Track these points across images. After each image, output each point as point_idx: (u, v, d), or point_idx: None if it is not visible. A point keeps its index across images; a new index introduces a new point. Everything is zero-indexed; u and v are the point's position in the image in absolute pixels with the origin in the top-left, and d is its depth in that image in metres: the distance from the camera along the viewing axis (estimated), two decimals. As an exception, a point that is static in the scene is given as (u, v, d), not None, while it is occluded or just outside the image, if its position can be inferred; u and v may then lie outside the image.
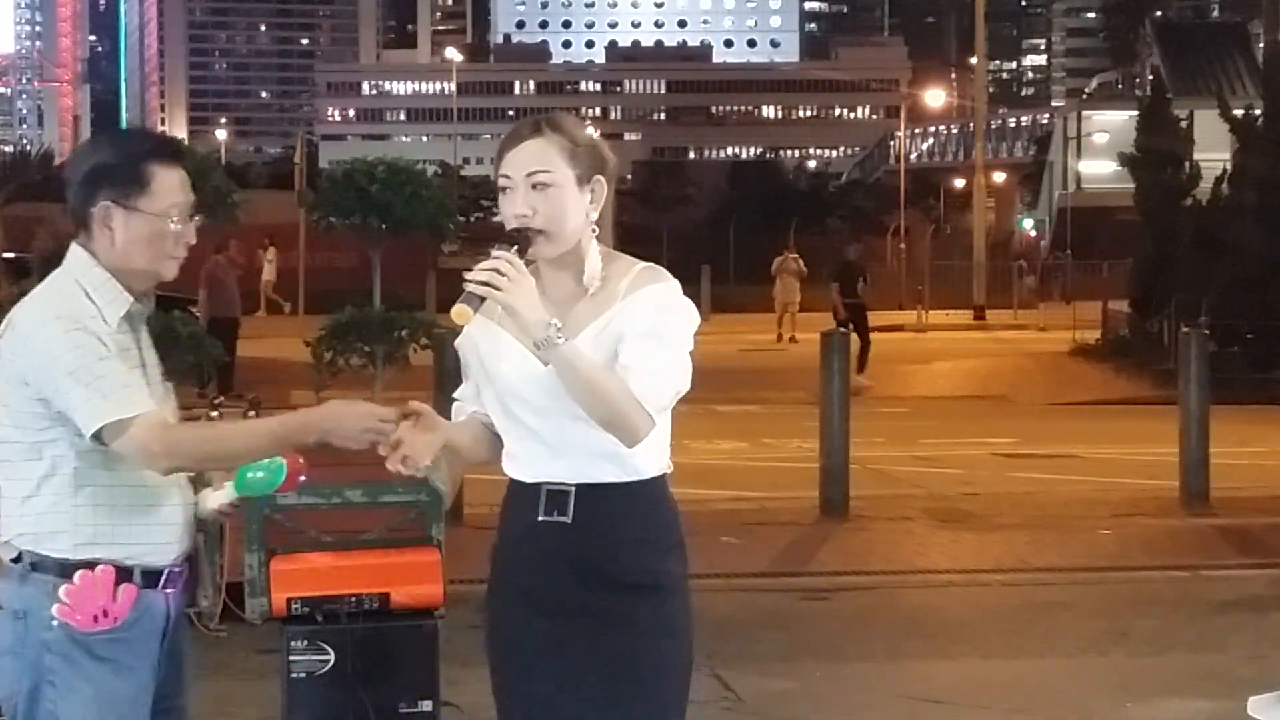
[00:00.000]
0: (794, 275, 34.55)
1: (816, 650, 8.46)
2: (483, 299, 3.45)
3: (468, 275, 3.46)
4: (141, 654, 3.72)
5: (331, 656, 6.21)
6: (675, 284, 3.63)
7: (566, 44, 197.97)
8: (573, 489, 3.61)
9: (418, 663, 6.30)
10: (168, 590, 3.77)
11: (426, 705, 6.32)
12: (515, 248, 3.51)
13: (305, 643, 6.22)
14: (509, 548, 3.72)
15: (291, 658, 6.23)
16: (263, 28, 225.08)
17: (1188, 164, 28.41)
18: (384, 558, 6.61)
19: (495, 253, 3.48)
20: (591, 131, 3.76)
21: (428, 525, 8.78)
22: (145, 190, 3.68)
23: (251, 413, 8.83)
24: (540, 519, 3.63)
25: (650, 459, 3.65)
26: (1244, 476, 14.12)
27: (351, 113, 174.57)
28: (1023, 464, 15.71)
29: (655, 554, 3.66)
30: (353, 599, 6.26)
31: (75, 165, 3.79)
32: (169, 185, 3.71)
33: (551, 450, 3.61)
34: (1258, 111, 27.27)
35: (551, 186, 3.59)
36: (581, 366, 3.48)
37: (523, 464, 3.67)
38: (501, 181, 3.62)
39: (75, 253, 3.74)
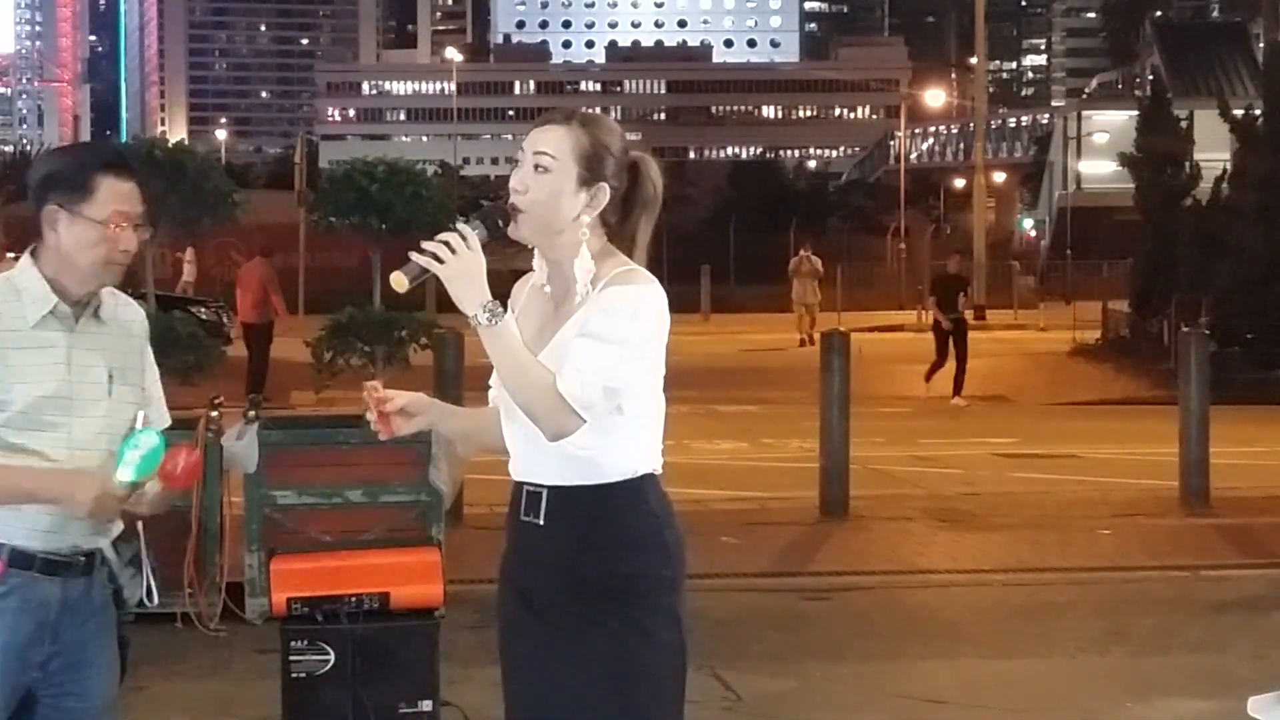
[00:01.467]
0: (811, 275, 33.52)
1: (816, 650, 8.46)
2: (423, 270, 3.47)
3: (424, 244, 3.47)
4: (9, 628, 3.90)
5: (331, 656, 6.22)
6: (639, 287, 3.58)
7: (566, 44, 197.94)
8: (545, 490, 3.62)
9: (418, 663, 6.31)
10: (55, 577, 3.94)
11: (426, 705, 6.33)
12: (479, 224, 3.53)
13: (305, 643, 6.23)
14: (507, 545, 3.75)
15: (291, 658, 6.24)
16: (263, 28, 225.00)
17: (1188, 164, 28.43)
18: (384, 558, 6.61)
19: (459, 225, 3.50)
20: (635, 150, 3.72)
21: (428, 525, 8.79)
22: (89, 197, 3.92)
23: (252, 413, 8.82)
24: (521, 519, 3.67)
25: (623, 462, 3.63)
26: (1244, 476, 14.11)
27: (351, 113, 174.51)
28: (1023, 464, 15.71)
29: (628, 557, 3.63)
30: (353, 599, 6.27)
31: (32, 173, 4.05)
32: (115, 195, 3.93)
33: (529, 450, 3.63)
34: (1258, 111, 27.27)
35: (549, 173, 3.59)
36: (512, 351, 3.50)
37: (512, 462, 3.71)
38: (518, 154, 3.65)
39: (25, 255, 4.02)
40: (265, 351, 21.52)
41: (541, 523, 3.62)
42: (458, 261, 3.46)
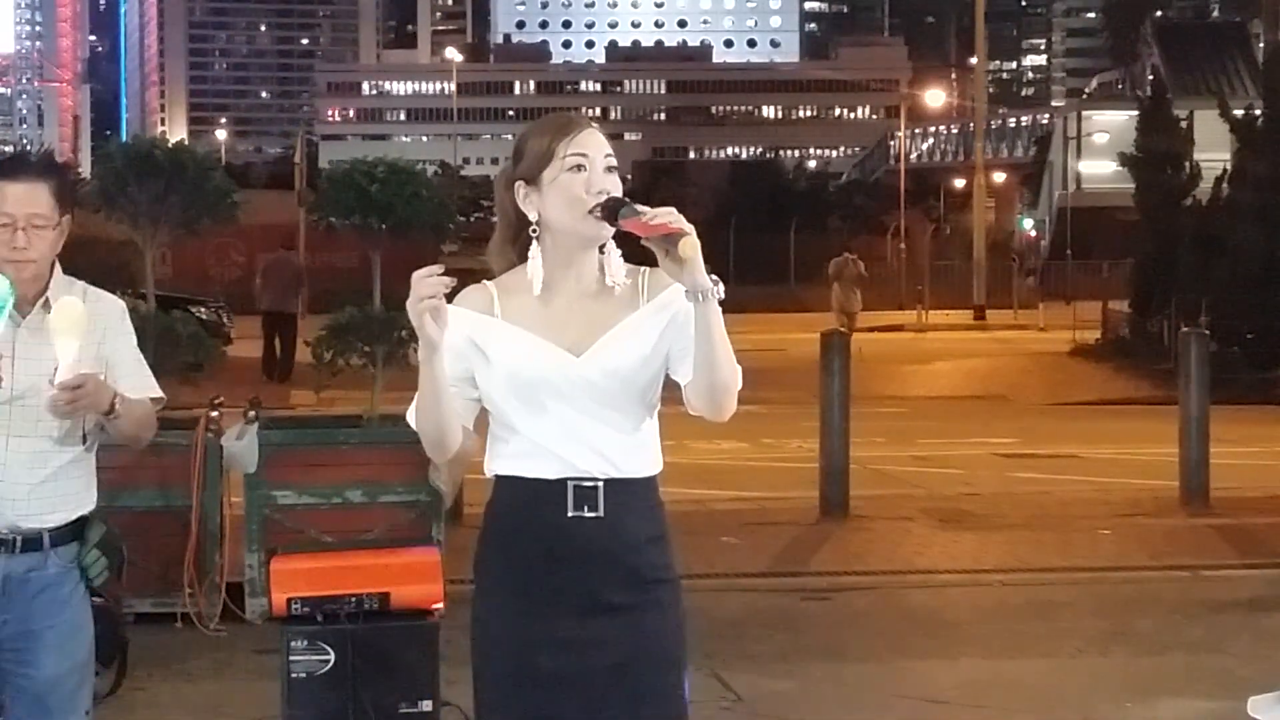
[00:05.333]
0: (854, 281, 31.34)
1: (816, 650, 8.46)
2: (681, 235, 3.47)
3: (661, 216, 3.45)
4: None
5: (331, 656, 6.22)
6: None
7: (566, 44, 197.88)
8: (601, 483, 3.63)
9: (418, 663, 6.31)
10: None
11: (426, 705, 6.33)
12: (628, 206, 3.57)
13: (305, 643, 6.23)
14: (523, 550, 3.67)
15: (291, 658, 6.24)
16: (263, 28, 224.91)
17: (1188, 164, 28.42)
18: (384, 558, 6.61)
19: (642, 207, 3.50)
20: None
21: (428, 525, 8.80)
22: None
23: (252, 413, 8.82)
24: (569, 515, 3.62)
25: (659, 456, 3.72)
26: (1244, 476, 14.12)
27: (351, 113, 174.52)
28: (1023, 464, 15.72)
29: (667, 549, 3.73)
30: (353, 599, 6.27)
31: None
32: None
33: (582, 444, 3.62)
34: (1258, 111, 27.28)
35: (615, 173, 3.69)
36: (722, 325, 3.57)
37: (545, 460, 3.65)
38: (575, 160, 3.64)
39: None
40: (294, 338, 22.09)
41: (602, 514, 3.62)
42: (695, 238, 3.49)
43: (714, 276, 3.51)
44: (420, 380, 3.60)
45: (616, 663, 3.63)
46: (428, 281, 3.45)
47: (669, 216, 3.46)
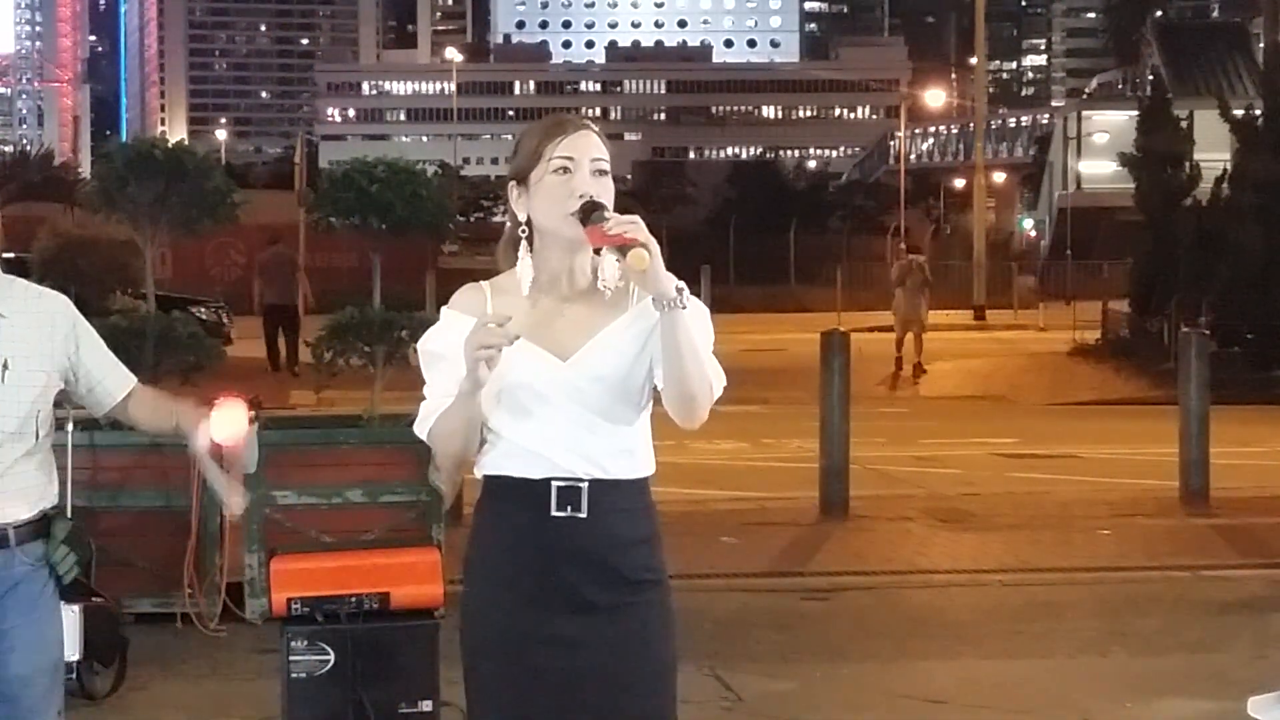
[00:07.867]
0: (920, 286, 27.10)
1: (816, 650, 8.46)
2: (641, 246, 3.45)
3: (620, 225, 3.44)
4: None
5: (331, 657, 6.22)
6: None
7: (566, 44, 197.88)
8: (585, 484, 3.63)
9: (418, 663, 6.31)
10: None
11: (426, 705, 6.33)
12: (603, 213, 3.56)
13: (305, 643, 6.23)
14: (509, 549, 3.68)
15: (291, 658, 6.24)
16: (263, 28, 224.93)
17: (1188, 164, 28.38)
18: (384, 558, 6.61)
19: (610, 215, 3.50)
20: None
21: (428, 525, 8.80)
22: None
23: (252, 413, 8.81)
24: (553, 514, 3.62)
25: (650, 458, 3.71)
26: (1244, 476, 14.12)
27: (351, 113, 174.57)
28: (1023, 464, 15.71)
29: (656, 550, 3.72)
30: (353, 599, 6.27)
31: None
32: None
33: (567, 447, 3.62)
34: (1258, 111, 27.28)
35: (607, 176, 3.67)
36: (691, 332, 3.53)
37: (530, 462, 3.65)
38: (560, 163, 3.63)
39: None
40: (298, 328, 22.67)
41: (585, 515, 3.62)
42: (655, 247, 3.47)
43: (680, 285, 3.49)
44: (453, 407, 3.58)
45: (602, 662, 3.63)
46: (494, 332, 3.44)
47: (626, 227, 3.45)
